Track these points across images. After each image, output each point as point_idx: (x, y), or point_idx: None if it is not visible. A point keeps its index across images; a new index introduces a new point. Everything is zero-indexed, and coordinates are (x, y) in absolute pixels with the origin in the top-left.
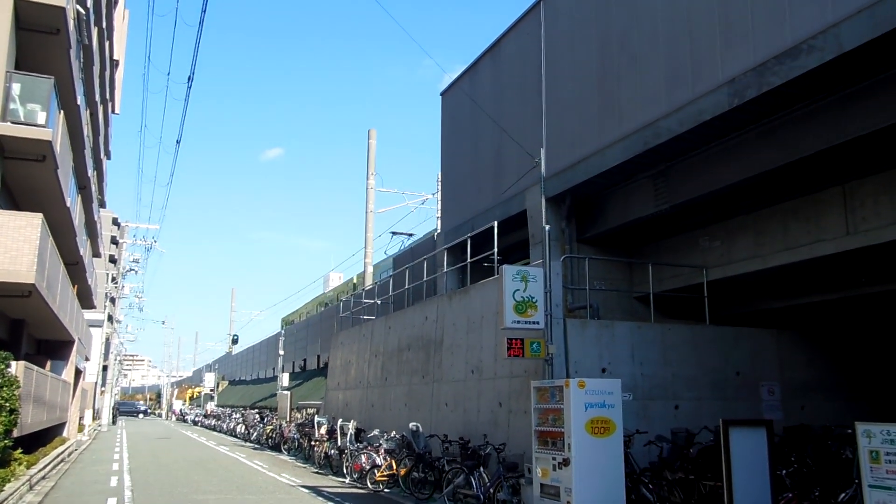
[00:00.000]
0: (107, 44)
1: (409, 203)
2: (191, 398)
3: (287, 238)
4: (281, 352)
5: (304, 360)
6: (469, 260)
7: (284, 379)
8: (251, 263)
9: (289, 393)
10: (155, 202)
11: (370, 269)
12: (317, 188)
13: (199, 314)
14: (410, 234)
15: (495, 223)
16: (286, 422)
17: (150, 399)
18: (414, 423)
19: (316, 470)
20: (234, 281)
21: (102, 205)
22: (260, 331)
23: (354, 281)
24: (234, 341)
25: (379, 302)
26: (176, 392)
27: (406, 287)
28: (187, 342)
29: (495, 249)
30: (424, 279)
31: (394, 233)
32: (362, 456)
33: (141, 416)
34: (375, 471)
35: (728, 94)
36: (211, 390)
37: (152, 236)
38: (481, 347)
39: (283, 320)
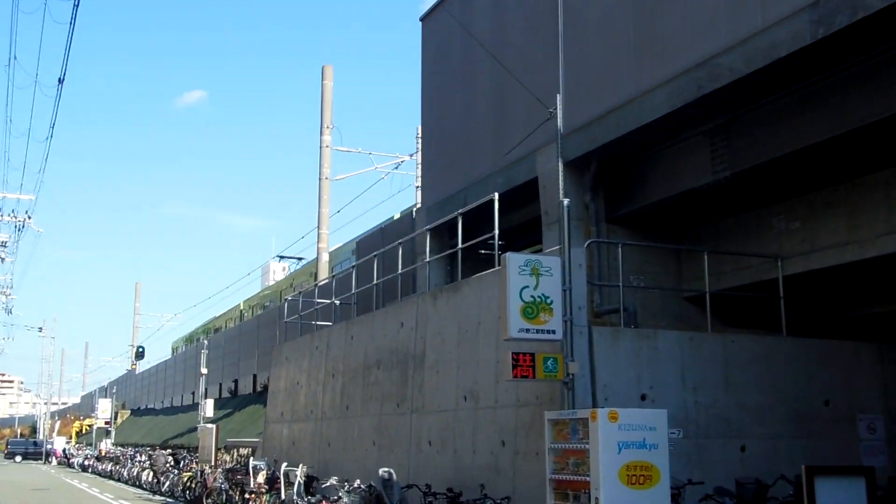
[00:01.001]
0: None
1: (379, 168)
2: (79, 433)
3: (211, 214)
4: (203, 370)
5: (235, 382)
6: (461, 245)
7: (208, 408)
8: (162, 249)
9: (214, 427)
10: (30, 164)
11: (325, 258)
12: (252, 146)
13: (91, 319)
14: (300, 258)
15: (496, 196)
16: (210, 467)
17: (23, 434)
18: (385, 470)
19: None
20: (139, 274)
21: None
22: (174, 341)
23: (292, 280)
24: (139, 355)
25: (338, 302)
26: (58, 425)
27: (374, 282)
28: (74, 357)
29: (496, 231)
30: (399, 271)
31: (281, 256)
32: None
33: (19, 458)
34: None
35: (811, 22)
36: (106, 423)
37: (25, 210)
38: (477, 365)
39: (204, 328)
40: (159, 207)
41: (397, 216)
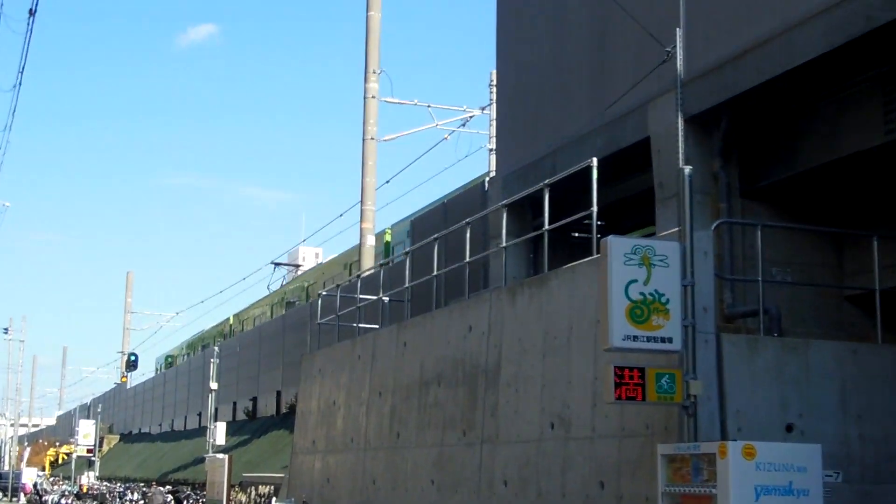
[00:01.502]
0: None
1: (441, 125)
2: (54, 463)
3: (225, 185)
4: (213, 385)
5: (254, 401)
6: (547, 226)
7: (219, 433)
8: (162, 231)
9: (226, 458)
10: None
11: (370, 241)
12: (277, 97)
13: (70, 318)
14: (297, 266)
15: (594, 162)
16: None
17: None
18: None
19: None
20: (131, 262)
21: None
22: (173, 349)
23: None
24: (131, 365)
25: (386, 299)
26: (28, 453)
27: (434, 273)
28: (49, 366)
29: (594, 209)
30: (467, 259)
31: (276, 264)
32: None
33: None
34: None
35: None
36: (89, 451)
37: None
38: (569, 382)
39: (214, 332)
40: (159, 177)
41: (464, 188)
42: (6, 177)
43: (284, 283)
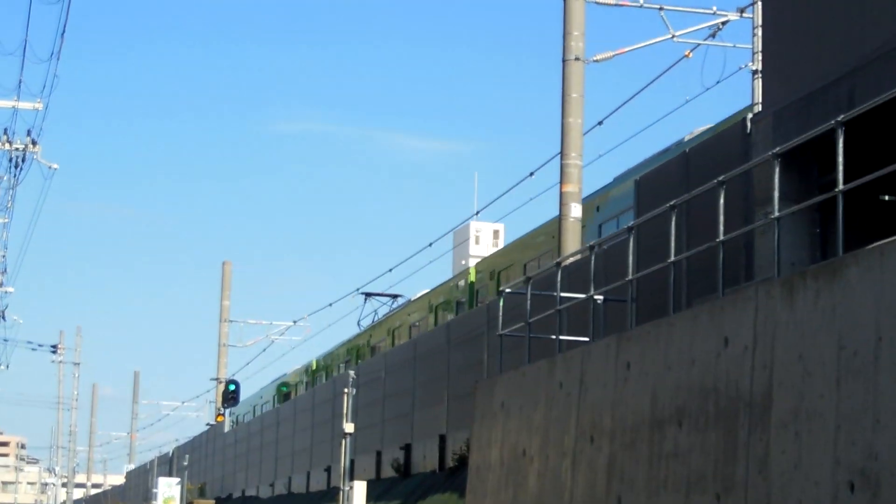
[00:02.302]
0: None
1: (678, 37)
2: None
3: (358, 133)
4: (348, 428)
5: (406, 450)
6: (841, 186)
7: (357, 496)
8: (269, 202)
9: None
10: (37, 45)
11: (575, 211)
12: (427, 5)
13: (141, 334)
14: (396, 296)
15: None
16: None
17: None
18: None
19: None
20: (228, 249)
21: None
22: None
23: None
24: (231, 398)
25: (600, 299)
26: None
27: (671, 259)
28: (114, 400)
29: None
30: (720, 238)
31: (366, 294)
32: None
33: None
34: None
35: None
36: None
37: (28, 130)
38: (876, 421)
39: (345, 349)
40: (266, 124)
41: (714, 131)
42: (52, 122)
43: (378, 317)
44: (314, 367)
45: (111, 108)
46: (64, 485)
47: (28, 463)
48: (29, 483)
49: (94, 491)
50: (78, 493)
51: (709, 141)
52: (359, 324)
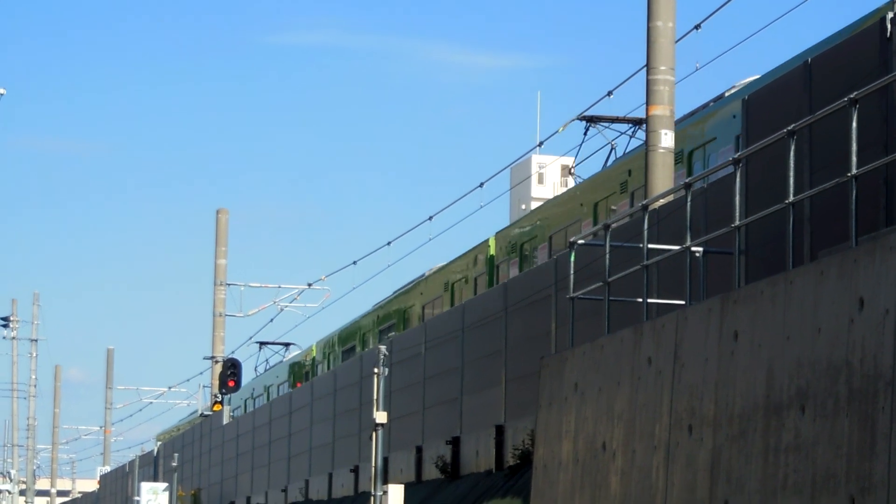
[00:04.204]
0: None
1: None
2: None
3: (388, 46)
4: (380, 417)
5: (453, 445)
6: None
7: (393, 501)
8: (272, 138)
9: None
10: None
11: (665, 142)
12: None
13: (113, 300)
14: (287, 344)
15: None
16: None
17: None
18: None
19: None
20: (222, 196)
21: None
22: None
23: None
24: (229, 383)
25: (699, 252)
26: None
27: (788, 200)
28: (82, 386)
29: None
30: (852, 172)
31: (261, 343)
32: None
33: None
34: None
35: None
36: None
37: None
38: None
39: (371, 318)
40: (264, 35)
41: (842, 35)
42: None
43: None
44: (334, 342)
45: (75, 16)
46: (22, 493)
47: None
48: None
49: (59, 500)
50: (40, 502)
51: (835, 47)
52: (255, 369)
